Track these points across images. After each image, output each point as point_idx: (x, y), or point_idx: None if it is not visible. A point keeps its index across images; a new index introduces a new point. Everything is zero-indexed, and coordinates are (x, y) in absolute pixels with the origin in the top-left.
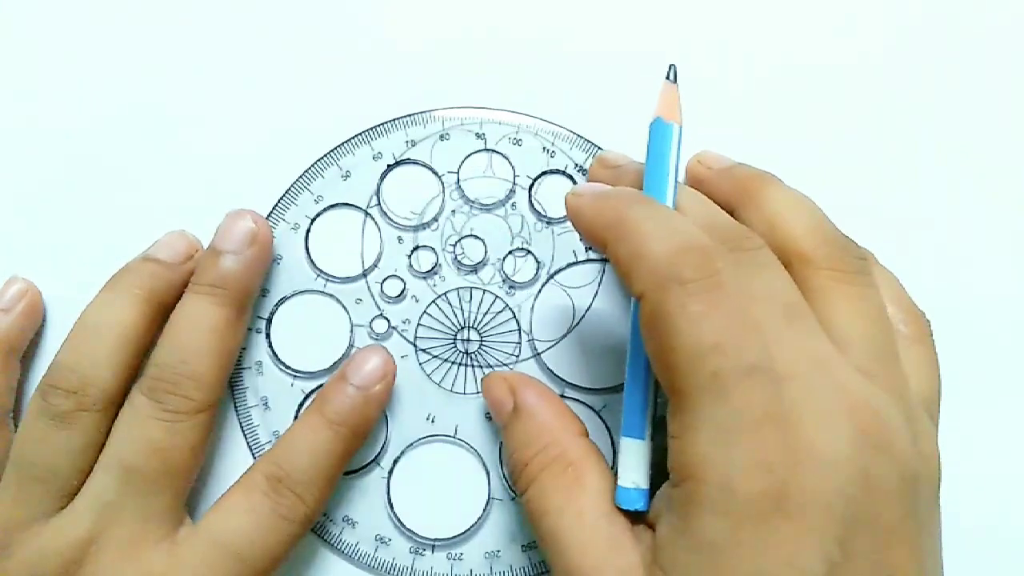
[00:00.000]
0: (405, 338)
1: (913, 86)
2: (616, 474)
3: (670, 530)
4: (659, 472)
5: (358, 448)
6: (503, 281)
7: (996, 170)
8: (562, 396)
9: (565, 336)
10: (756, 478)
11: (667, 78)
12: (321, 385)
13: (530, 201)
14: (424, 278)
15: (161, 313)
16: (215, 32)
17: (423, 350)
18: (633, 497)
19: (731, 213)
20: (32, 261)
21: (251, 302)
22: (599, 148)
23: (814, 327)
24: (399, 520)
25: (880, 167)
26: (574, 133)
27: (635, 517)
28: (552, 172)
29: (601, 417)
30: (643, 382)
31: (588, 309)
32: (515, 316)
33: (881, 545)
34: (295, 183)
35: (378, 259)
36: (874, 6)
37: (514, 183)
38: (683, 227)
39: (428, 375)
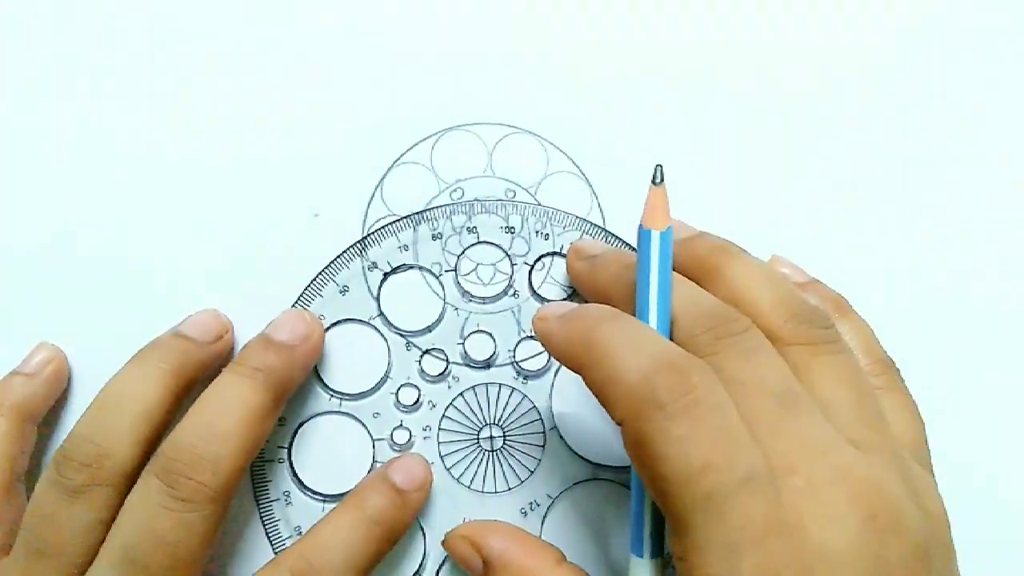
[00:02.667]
0: (428, 445)
1: (911, 90)
2: None
3: None
4: None
5: (386, 554)
6: (517, 373)
7: (995, 171)
8: (595, 479)
9: (588, 419)
10: None
11: (653, 181)
12: None
13: (530, 287)
14: (437, 382)
15: (186, 391)
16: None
17: (448, 455)
18: None
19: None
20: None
21: (287, 397)
22: (592, 225)
23: (809, 408)
24: None
25: (877, 173)
26: (566, 213)
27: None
28: (549, 255)
29: None
30: (640, 499)
31: None
32: (534, 406)
33: None
34: (295, 305)
35: (389, 369)
36: (870, 13)
37: (512, 273)
38: (653, 345)
39: (457, 479)
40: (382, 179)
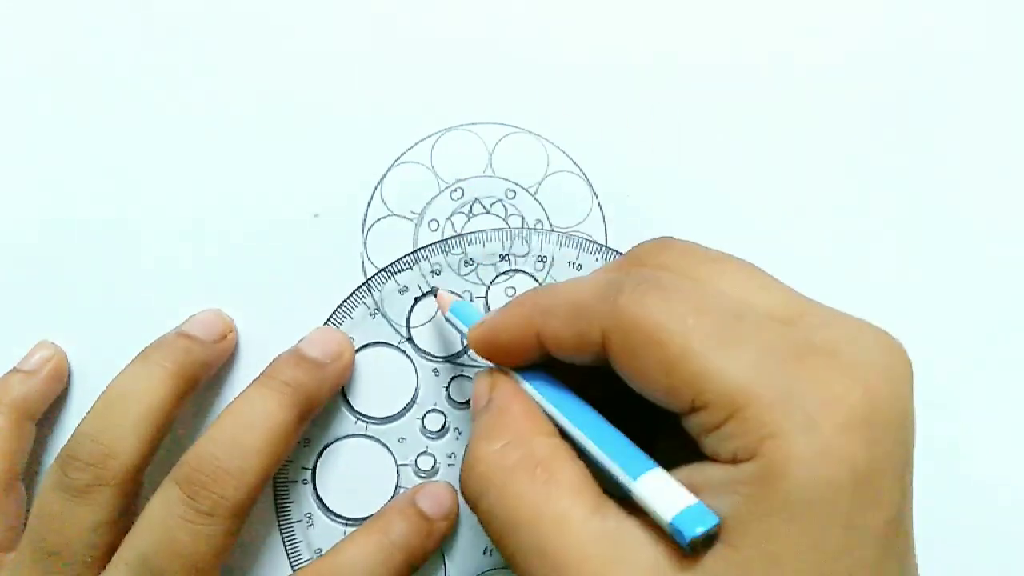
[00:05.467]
0: (453, 473)
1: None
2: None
3: (744, 502)
4: None
5: None
6: None
7: (996, 172)
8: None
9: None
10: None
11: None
12: None
13: None
14: (464, 408)
15: (190, 390)
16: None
17: None
18: (693, 517)
19: None
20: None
21: (313, 415)
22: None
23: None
24: None
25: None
26: (595, 242)
27: (627, 503)
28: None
29: None
30: (607, 430)
31: None
32: None
33: None
34: (326, 323)
35: (416, 395)
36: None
37: None
38: (586, 279)
39: None
40: (382, 179)
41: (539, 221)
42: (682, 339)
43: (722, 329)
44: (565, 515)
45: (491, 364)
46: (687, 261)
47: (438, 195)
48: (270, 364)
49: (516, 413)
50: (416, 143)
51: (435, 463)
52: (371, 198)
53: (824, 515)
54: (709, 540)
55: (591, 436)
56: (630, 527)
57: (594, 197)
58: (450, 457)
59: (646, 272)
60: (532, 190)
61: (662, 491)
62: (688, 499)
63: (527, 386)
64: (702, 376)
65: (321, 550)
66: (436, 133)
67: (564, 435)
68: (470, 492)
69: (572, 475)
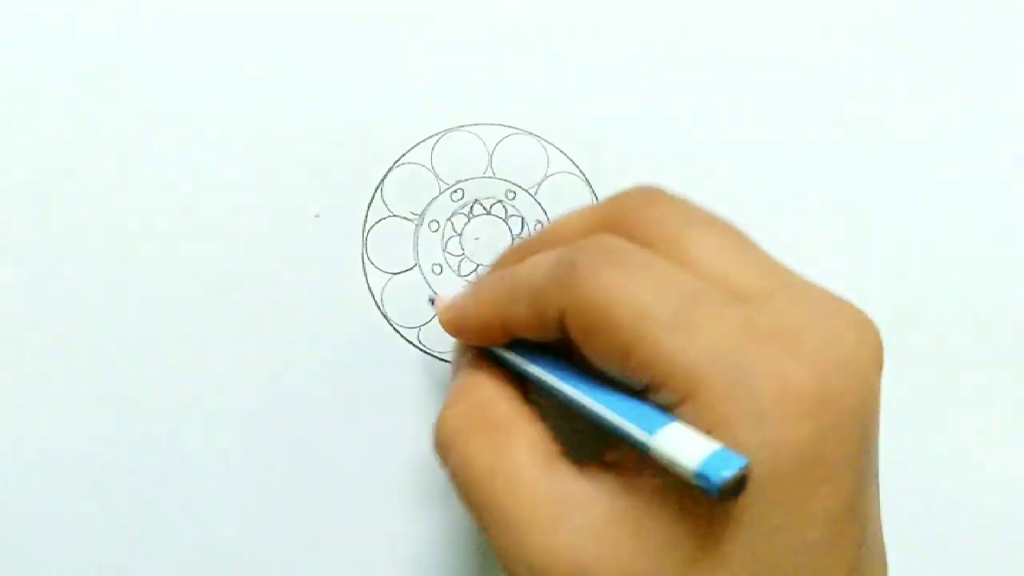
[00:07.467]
0: None
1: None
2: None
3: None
4: None
5: None
6: None
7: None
8: None
9: None
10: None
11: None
12: None
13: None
14: None
15: None
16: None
17: None
18: (718, 463)
19: None
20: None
21: None
22: None
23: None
24: None
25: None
26: None
27: (583, 463)
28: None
29: None
30: (608, 393)
31: None
32: None
33: None
34: None
35: None
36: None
37: None
38: (542, 256)
39: None
40: (382, 179)
41: (539, 222)
42: (636, 321)
43: (679, 311)
44: (517, 475)
45: None
46: (670, 222)
47: (438, 196)
48: None
49: (481, 379)
50: (416, 144)
51: None
52: (371, 199)
53: (769, 498)
54: (739, 486)
55: (602, 402)
56: (579, 487)
57: (594, 197)
58: None
59: (606, 242)
60: (532, 191)
61: (682, 443)
62: (709, 446)
63: (519, 360)
64: (656, 360)
65: None
66: (436, 134)
67: (572, 404)
68: (438, 450)
69: (528, 437)
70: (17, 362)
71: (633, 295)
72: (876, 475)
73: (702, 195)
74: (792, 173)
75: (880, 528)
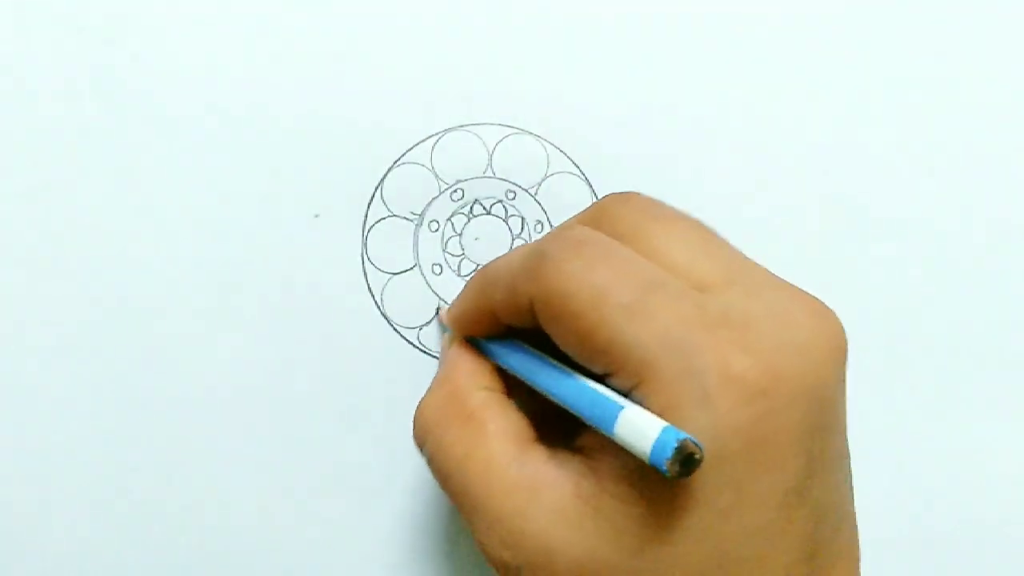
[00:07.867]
0: None
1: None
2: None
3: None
4: None
5: None
6: None
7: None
8: None
9: None
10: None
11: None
12: None
13: None
14: None
15: None
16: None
17: None
18: (665, 441)
19: None
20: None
21: None
22: None
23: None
24: None
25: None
26: None
27: (553, 448)
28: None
29: None
30: (579, 384)
31: None
32: None
33: None
34: None
35: None
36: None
37: None
38: (517, 249)
39: None
40: (382, 179)
41: (539, 222)
42: (595, 309)
43: (637, 299)
44: (489, 462)
45: None
46: (638, 218)
47: (438, 196)
48: None
49: (461, 369)
50: (416, 144)
51: None
52: (371, 199)
53: (718, 480)
54: (689, 463)
55: (568, 387)
56: (546, 472)
57: (594, 197)
58: None
59: (574, 234)
60: (532, 191)
61: (635, 425)
62: (658, 425)
63: (495, 350)
64: (612, 345)
65: None
66: (436, 134)
67: (543, 391)
68: (416, 439)
69: (501, 425)
70: (18, 362)
71: (592, 282)
72: (838, 463)
73: (701, 194)
74: (792, 173)
75: (848, 519)
